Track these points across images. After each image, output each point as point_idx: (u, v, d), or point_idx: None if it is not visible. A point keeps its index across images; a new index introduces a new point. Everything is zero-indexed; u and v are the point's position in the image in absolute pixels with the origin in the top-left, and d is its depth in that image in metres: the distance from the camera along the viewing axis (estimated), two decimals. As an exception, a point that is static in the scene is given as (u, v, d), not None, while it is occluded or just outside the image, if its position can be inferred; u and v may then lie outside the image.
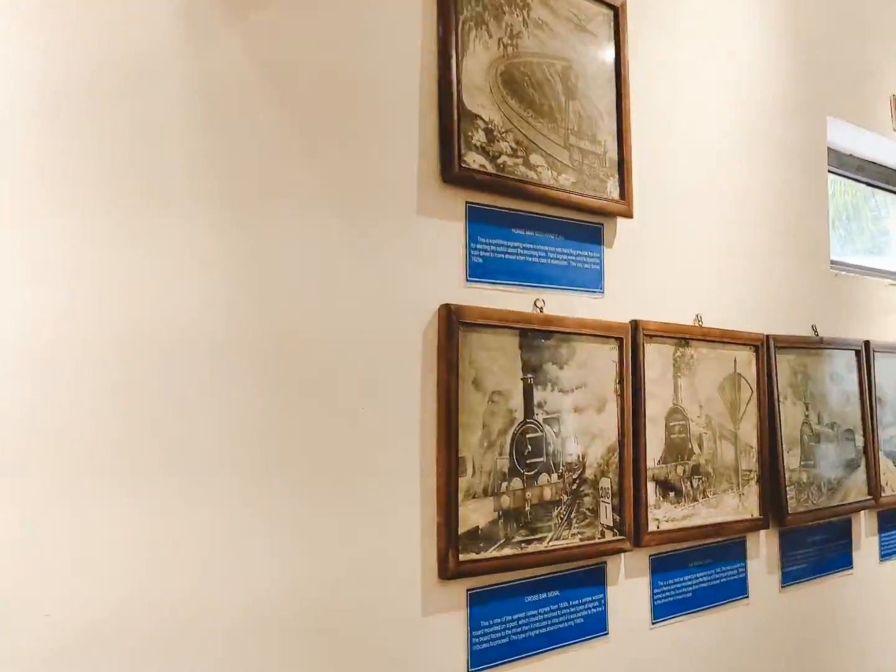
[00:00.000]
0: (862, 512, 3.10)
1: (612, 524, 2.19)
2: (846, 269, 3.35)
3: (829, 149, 3.38)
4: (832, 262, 3.21)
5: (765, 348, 2.69)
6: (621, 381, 2.23)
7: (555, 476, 2.07)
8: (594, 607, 2.16)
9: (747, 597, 2.60)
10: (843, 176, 3.60)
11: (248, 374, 1.59)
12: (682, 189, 2.49)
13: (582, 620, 2.13)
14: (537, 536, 2.02)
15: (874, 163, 3.71)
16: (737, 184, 2.69)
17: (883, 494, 3.15)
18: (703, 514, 2.45)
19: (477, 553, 1.89)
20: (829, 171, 3.45)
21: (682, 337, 2.43)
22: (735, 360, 2.60)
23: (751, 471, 2.62)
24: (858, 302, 3.17)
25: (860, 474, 3.05)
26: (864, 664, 3.02)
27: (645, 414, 2.29)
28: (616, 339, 2.23)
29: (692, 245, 2.51)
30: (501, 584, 1.96)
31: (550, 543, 2.04)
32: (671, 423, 2.39)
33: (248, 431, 1.59)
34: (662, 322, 2.36)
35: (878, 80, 3.38)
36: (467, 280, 1.94)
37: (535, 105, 2.07)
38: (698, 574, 2.46)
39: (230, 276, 1.59)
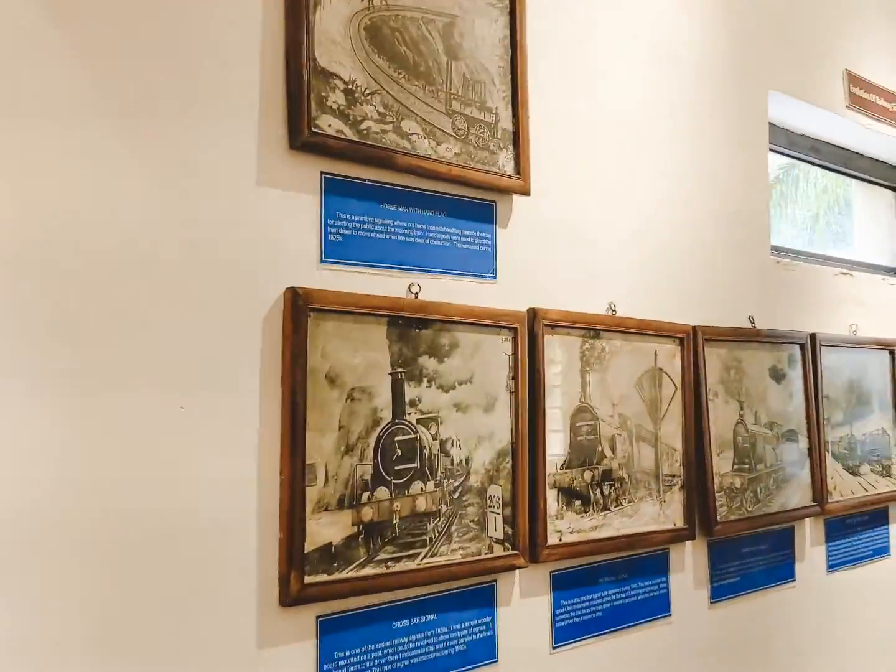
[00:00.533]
0: (806, 520, 2.86)
1: (502, 537, 1.95)
2: (791, 256, 3.11)
3: (779, 128, 3.15)
4: (775, 249, 2.97)
5: (691, 341, 2.45)
6: (516, 377, 1.99)
7: (431, 484, 1.83)
8: (481, 632, 1.92)
9: (670, 615, 2.36)
10: (794, 157, 3.36)
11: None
12: (593, 164, 2.25)
13: (465, 647, 1.89)
14: (408, 553, 1.78)
15: (831, 144, 3.47)
16: (663, 160, 2.46)
17: (830, 500, 2.91)
18: (615, 524, 2.21)
19: (329, 574, 1.65)
20: (781, 153, 3.23)
21: (592, 328, 2.19)
22: (656, 354, 2.36)
23: (674, 476, 2.38)
24: (805, 292, 2.94)
25: (804, 479, 2.81)
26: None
27: (545, 413, 2.05)
28: (509, 329, 1.99)
29: (605, 227, 2.27)
30: (363, 608, 1.72)
31: (425, 561, 1.80)
32: (578, 424, 2.15)
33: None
34: (567, 311, 2.12)
35: (831, 54, 3.14)
36: (322, 261, 1.70)
37: (409, 65, 1.82)
38: (610, 591, 2.22)
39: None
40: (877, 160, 3.73)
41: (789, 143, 3.27)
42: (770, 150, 3.17)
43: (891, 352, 3.27)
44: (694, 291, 2.52)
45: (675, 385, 2.41)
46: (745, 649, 2.58)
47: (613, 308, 2.25)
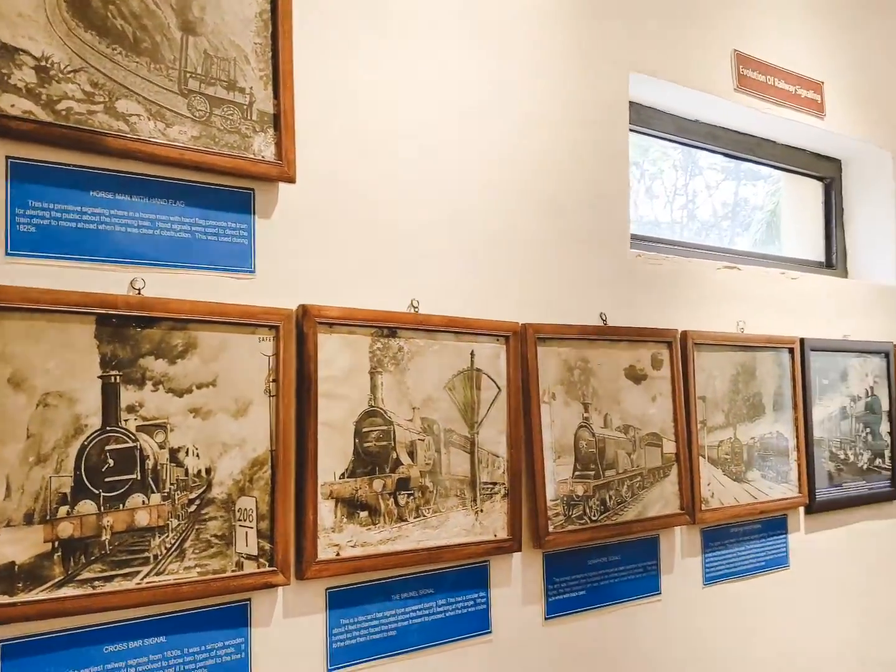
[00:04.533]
0: (676, 529, 2.67)
1: (256, 553, 1.80)
2: (665, 248, 2.92)
3: (666, 114, 2.97)
4: (642, 240, 2.79)
5: (519, 339, 2.28)
6: (277, 379, 1.84)
7: (157, 497, 1.68)
8: (230, 655, 1.78)
9: (489, 632, 2.20)
10: (687, 145, 3.17)
11: None
12: (391, 148, 2.09)
13: (206, 671, 1.74)
14: (124, 572, 1.63)
15: (732, 130, 3.27)
16: (491, 143, 2.29)
17: (706, 507, 2.73)
18: (415, 536, 2.05)
19: (11, 595, 1.51)
20: (672, 141, 3.05)
21: (385, 326, 2.04)
22: (472, 354, 2.20)
23: (495, 483, 2.22)
24: (676, 287, 2.75)
25: (669, 486, 2.63)
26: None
27: (317, 418, 1.90)
28: (269, 327, 1.84)
29: (409, 217, 2.11)
30: (61, 631, 1.58)
31: (148, 580, 1.66)
32: (365, 429, 1.99)
33: None
34: (350, 308, 1.97)
35: (715, 33, 2.94)
36: (8, 253, 1.55)
37: (128, 41, 1.68)
38: (409, 608, 2.06)
39: None
40: (796, 148, 3.52)
41: (679, 129, 3.08)
42: (657, 137, 3.01)
43: (790, 350, 3.07)
44: (532, 286, 2.35)
45: (497, 387, 2.24)
46: (586, 668, 2.40)
47: (416, 305, 2.09)
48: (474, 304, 2.21)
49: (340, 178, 1.99)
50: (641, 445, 2.57)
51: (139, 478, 1.66)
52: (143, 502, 1.66)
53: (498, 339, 2.24)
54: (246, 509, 1.79)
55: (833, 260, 3.60)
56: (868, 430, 3.37)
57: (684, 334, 2.71)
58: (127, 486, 1.65)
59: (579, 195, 2.47)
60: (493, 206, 2.27)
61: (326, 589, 1.93)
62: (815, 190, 3.72)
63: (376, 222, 2.05)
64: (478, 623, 2.19)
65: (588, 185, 2.50)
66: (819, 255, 3.64)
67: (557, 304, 2.41)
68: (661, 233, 3.34)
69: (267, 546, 1.81)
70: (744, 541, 2.91)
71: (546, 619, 2.33)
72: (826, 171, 3.61)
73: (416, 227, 2.12)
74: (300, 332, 1.89)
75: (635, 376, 2.57)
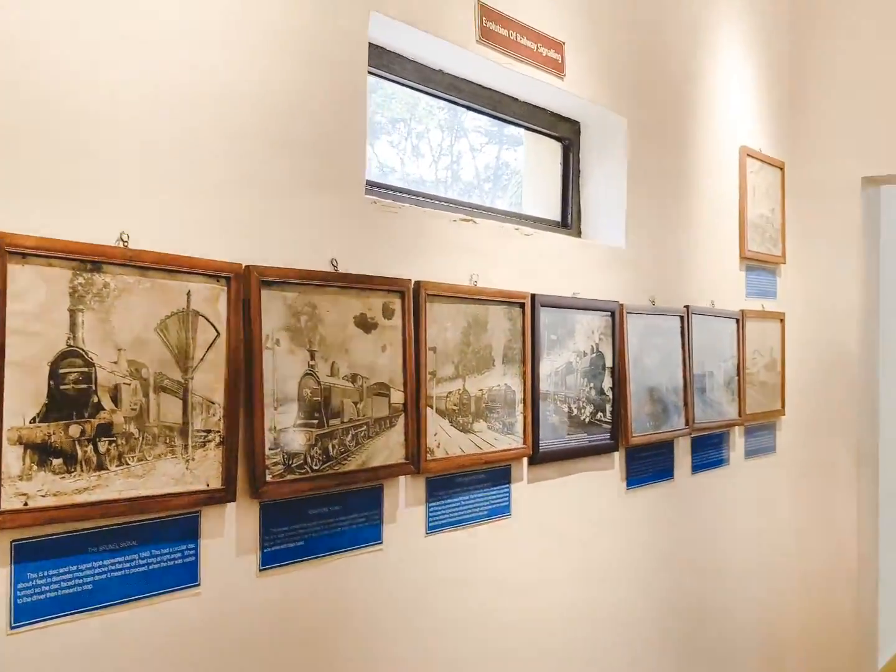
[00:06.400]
0: (401, 478, 2.67)
1: (-79, 503, 1.62)
2: (403, 196, 2.90)
3: (409, 60, 2.92)
4: (378, 187, 2.75)
5: (242, 281, 2.18)
6: (-46, 313, 1.66)
7: None
8: None
9: (198, 585, 2.11)
10: (430, 94, 3.15)
11: None
12: (94, 52, 1.91)
13: None
14: None
15: (476, 84, 3.27)
16: (215, 68, 2.15)
17: (431, 458, 2.74)
18: (117, 485, 1.93)
19: None
20: (414, 88, 3.01)
21: (89, 260, 1.88)
22: (189, 294, 2.08)
23: (209, 431, 2.12)
24: (412, 237, 2.72)
25: (395, 436, 2.62)
26: (369, 654, 2.60)
27: (3, 356, 1.74)
28: (-54, 255, 1.65)
29: (120, 143, 1.96)
30: None
31: None
32: (62, 371, 1.84)
33: None
34: (48, 238, 1.80)
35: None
36: None
37: None
38: (108, 561, 1.95)
39: None
40: (537, 107, 3.57)
41: (423, 78, 3.04)
42: (398, 83, 2.96)
43: (521, 305, 3.13)
44: (259, 227, 2.25)
45: (216, 330, 2.14)
46: (303, 617, 2.37)
47: (126, 238, 1.95)
48: (193, 241, 2.09)
49: (29, 81, 1.78)
50: (369, 395, 2.55)
51: None
52: None
53: (218, 280, 2.14)
54: (-86, 455, 1.61)
55: (568, 220, 3.71)
56: (592, 385, 3.51)
57: (418, 284, 2.70)
58: None
59: (312, 134, 2.39)
60: (216, 138, 2.15)
61: (12, 541, 1.77)
62: (555, 150, 3.81)
63: (78, 141, 1.88)
64: (185, 576, 2.10)
65: (322, 124, 2.42)
66: (556, 214, 3.74)
67: (286, 246, 2.32)
68: (426, 191, 3.30)
69: (-65, 496, 1.64)
70: (468, 490, 2.96)
71: (260, 570, 2.27)
72: (565, 132, 3.71)
73: (129, 150, 1.97)
74: (-16, 261, 1.71)
75: (366, 325, 2.54)
